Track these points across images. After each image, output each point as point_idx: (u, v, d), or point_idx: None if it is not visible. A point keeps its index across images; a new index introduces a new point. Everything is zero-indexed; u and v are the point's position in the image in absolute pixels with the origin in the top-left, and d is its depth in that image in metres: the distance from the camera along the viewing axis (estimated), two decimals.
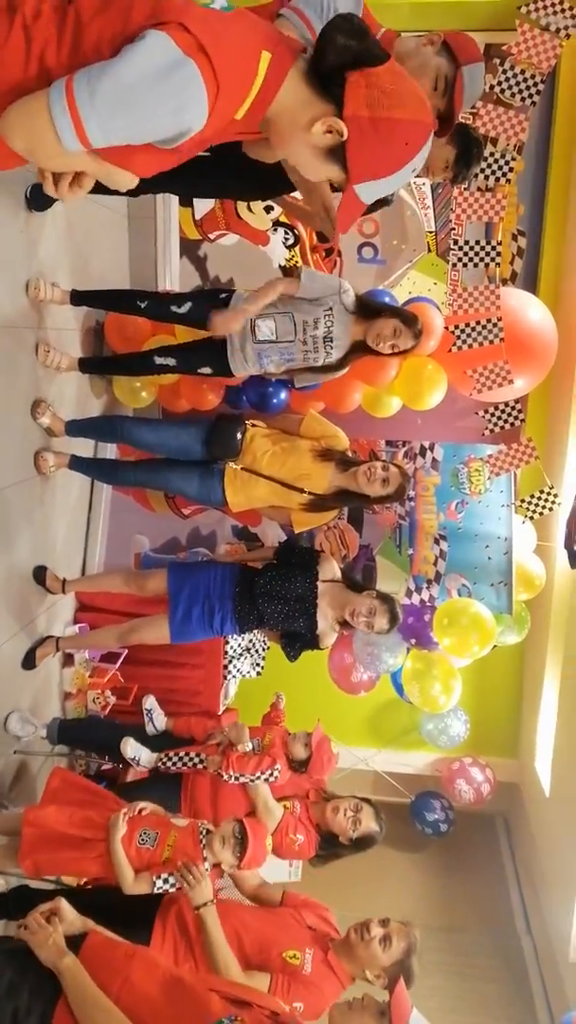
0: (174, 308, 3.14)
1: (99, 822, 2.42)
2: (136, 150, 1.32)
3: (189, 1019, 1.58)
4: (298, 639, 3.09)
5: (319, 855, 2.85)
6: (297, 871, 4.02)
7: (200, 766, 2.90)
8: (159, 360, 3.26)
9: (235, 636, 3.80)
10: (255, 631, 3.33)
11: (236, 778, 2.77)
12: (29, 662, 3.23)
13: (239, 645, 3.82)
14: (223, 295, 3.11)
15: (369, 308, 3.07)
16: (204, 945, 2.21)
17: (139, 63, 1.21)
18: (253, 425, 3.19)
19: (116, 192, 1.55)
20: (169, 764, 2.93)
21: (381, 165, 1.38)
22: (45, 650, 3.30)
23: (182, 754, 2.94)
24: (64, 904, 1.81)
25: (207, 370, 3.21)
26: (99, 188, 1.53)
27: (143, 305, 3.21)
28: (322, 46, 1.34)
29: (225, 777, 2.78)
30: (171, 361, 3.25)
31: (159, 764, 2.96)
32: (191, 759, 2.94)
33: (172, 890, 2.33)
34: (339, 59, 1.32)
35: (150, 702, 3.15)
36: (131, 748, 2.94)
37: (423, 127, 1.36)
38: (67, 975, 1.61)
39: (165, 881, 2.31)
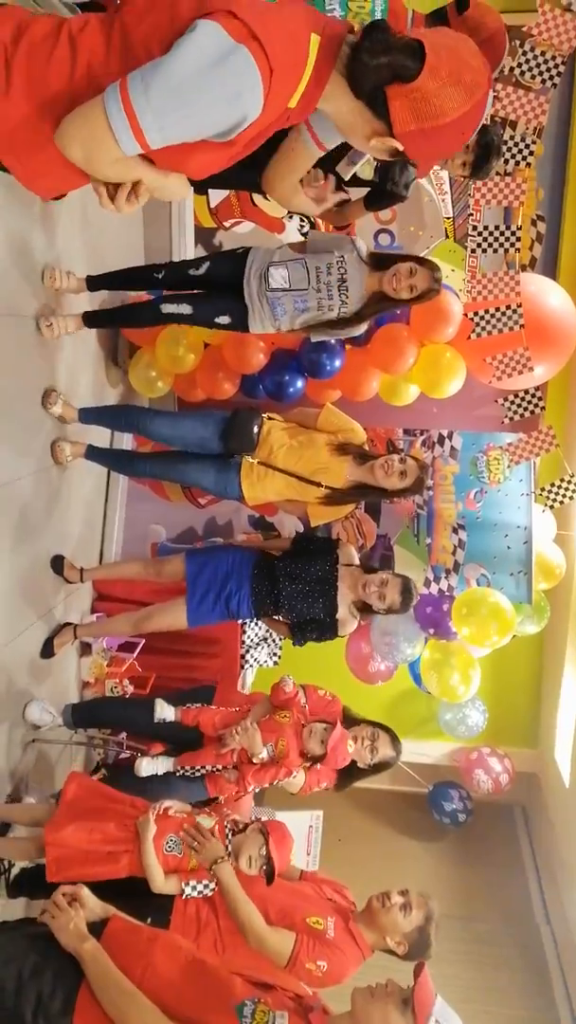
0: (192, 271, 3.10)
1: (119, 835, 2.40)
2: (193, 150, 1.30)
3: (212, 1001, 1.59)
4: (310, 626, 3.07)
5: (340, 783, 2.94)
6: (315, 860, 4.04)
7: (218, 774, 2.92)
8: (169, 308, 3.14)
9: (252, 626, 3.79)
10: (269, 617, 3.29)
11: (256, 790, 2.82)
12: (47, 651, 3.24)
13: (256, 635, 3.82)
14: (239, 251, 3.06)
15: (383, 257, 3.02)
16: (226, 904, 2.23)
17: (191, 55, 1.20)
18: (270, 418, 3.16)
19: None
20: (187, 774, 2.94)
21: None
22: (63, 638, 3.31)
23: (198, 768, 2.94)
24: (85, 891, 1.82)
25: (225, 319, 3.10)
26: None
27: (160, 276, 3.18)
28: (358, 71, 1.35)
29: (242, 794, 2.82)
30: (186, 309, 3.12)
31: (176, 774, 2.96)
32: (207, 771, 2.94)
33: (200, 895, 2.33)
34: (377, 80, 1.34)
35: (164, 712, 3.10)
36: (146, 768, 2.90)
37: (477, 108, 1.36)
38: (88, 959, 1.62)
39: (194, 888, 2.32)
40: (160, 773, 2.91)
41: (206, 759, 2.89)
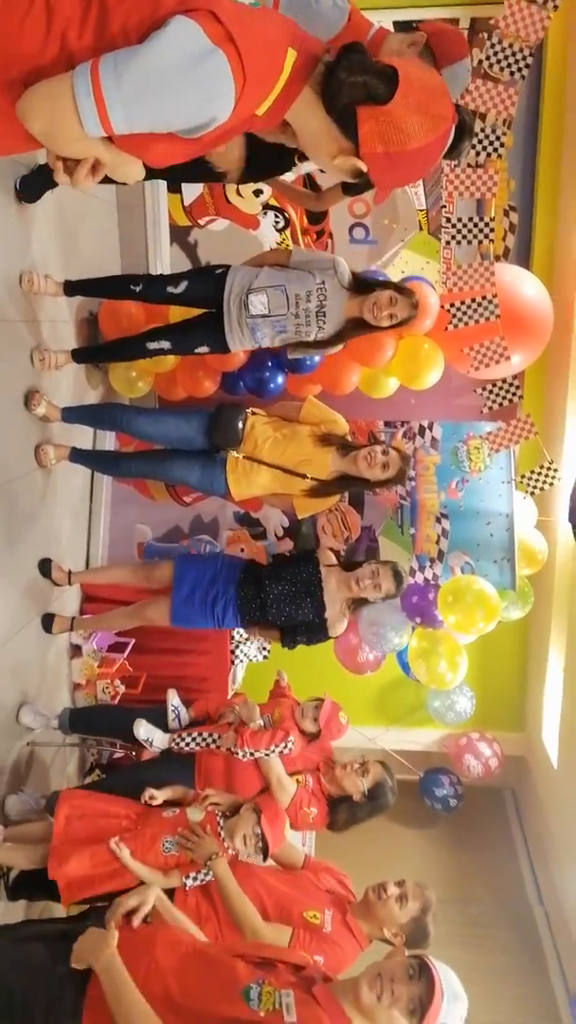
0: (170, 288, 3.13)
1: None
2: (157, 139, 1.31)
3: (217, 989, 1.61)
4: (299, 629, 3.10)
5: (337, 818, 2.87)
6: (310, 850, 4.07)
7: (213, 746, 2.92)
8: (152, 345, 3.24)
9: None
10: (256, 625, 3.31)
11: (251, 754, 2.80)
12: (48, 625, 3.30)
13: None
14: (219, 270, 3.10)
15: (363, 283, 3.07)
16: (222, 900, 2.26)
17: (167, 50, 1.20)
18: (253, 413, 3.19)
19: (111, 181, 1.54)
20: (182, 744, 2.95)
21: (404, 181, 1.47)
22: (62, 622, 3.34)
23: (195, 734, 2.96)
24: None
25: (204, 349, 3.20)
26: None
27: (138, 289, 3.20)
28: (332, 87, 1.36)
29: (240, 754, 2.80)
30: (166, 344, 3.22)
31: (172, 745, 2.98)
32: (204, 739, 2.96)
33: (201, 883, 2.36)
34: (350, 98, 1.35)
35: (176, 699, 3.13)
36: (144, 729, 2.95)
37: (440, 139, 1.40)
38: (102, 970, 1.61)
39: (194, 879, 2.35)
40: (156, 741, 2.93)
41: (203, 728, 2.94)
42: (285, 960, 1.77)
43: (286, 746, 2.82)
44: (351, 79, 1.34)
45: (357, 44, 1.37)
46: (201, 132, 1.29)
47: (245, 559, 3.31)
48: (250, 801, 2.51)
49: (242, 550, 4.07)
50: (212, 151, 1.51)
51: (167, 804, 2.62)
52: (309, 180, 4.01)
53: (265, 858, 2.41)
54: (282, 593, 3.05)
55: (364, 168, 1.39)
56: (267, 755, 2.80)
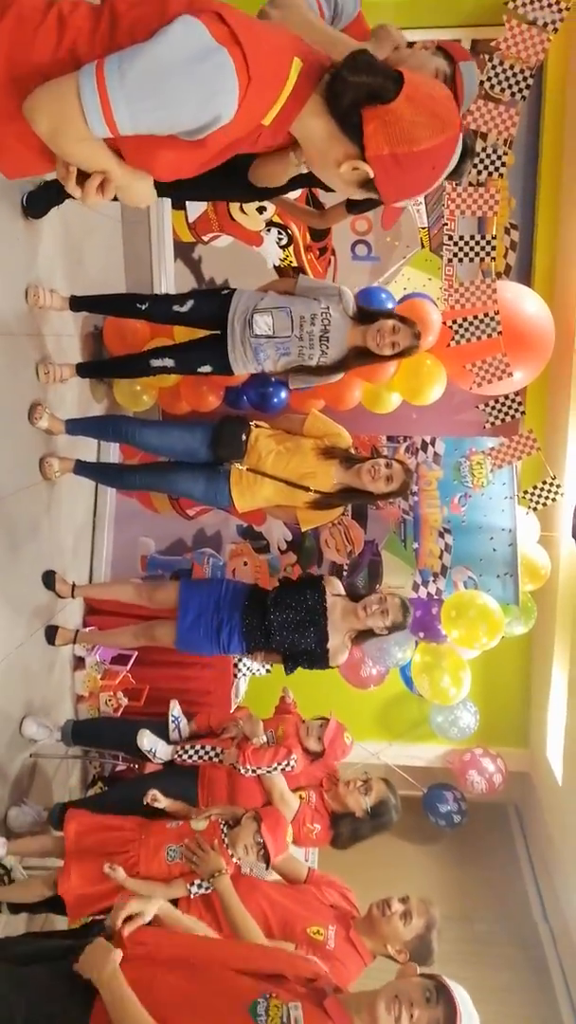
0: (176, 307, 3.17)
1: (124, 865, 2.39)
2: (161, 145, 1.30)
3: (224, 1004, 1.57)
4: (301, 657, 3.10)
5: (340, 835, 2.86)
6: (313, 862, 4.05)
7: (216, 760, 2.92)
8: (156, 363, 3.27)
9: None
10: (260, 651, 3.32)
11: (253, 771, 2.80)
12: (51, 637, 3.32)
13: None
14: (224, 291, 3.15)
15: (367, 313, 3.14)
16: (226, 917, 2.24)
17: (171, 47, 1.21)
18: (257, 426, 3.22)
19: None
20: (185, 757, 2.95)
21: (412, 190, 1.42)
22: (65, 634, 3.36)
23: (198, 747, 2.96)
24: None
25: (207, 368, 3.23)
26: None
27: (144, 307, 3.24)
28: (337, 87, 1.34)
29: (242, 771, 2.80)
30: (169, 362, 3.26)
31: (175, 757, 2.98)
32: (207, 752, 2.96)
33: (207, 891, 2.37)
34: (355, 97, 1.33)
35: (177, 710, 3.13)
36: (147, 740, 2.95)
37: (448, 144, 1.36)
38: (105, 985, 1.59)
39: (199, 887, 2.37)
40: (159, 754, 2.93)
41: (206, 741, 2.94)
42: (296, 971, 1.73)
43: (288, 764, 2.82)
44: (356, 79, 1.32)
45: (364, 50, 1.36)
46: (206, 131, 1.27)
47: (249, 585, 3.33)
48: (251, 810, 2.50)
49: (245, 563, 4.09)
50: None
51: (170, 816, 2.63)
52: (312, 198, 4.06)
53: (268, 866, 2.40)
54: (286, 620, 3.06)
55: (371, 173, 1.36)
56: (269, 772, 2.80)
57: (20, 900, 2.69)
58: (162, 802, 2.62)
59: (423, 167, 1.37)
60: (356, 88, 1.33)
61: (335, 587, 3.18)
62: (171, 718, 3.07)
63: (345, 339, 3.08)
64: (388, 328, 3.03)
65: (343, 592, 3.19)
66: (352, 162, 1.37)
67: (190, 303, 3.16)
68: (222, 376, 3.58)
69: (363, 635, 3.12)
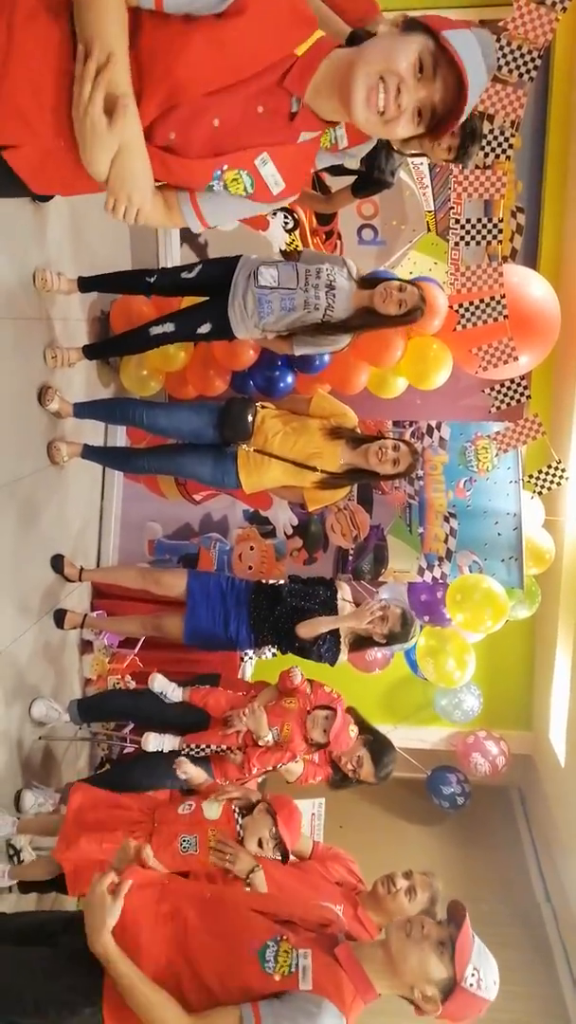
0: (185, 275, 3.16)
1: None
2: (189, 32, 1.25)
3: (235, 945, 1.58)
4: (311, 650, 3.14)
5: (338, 783, 2.99)
6: (319, 835, 4.10)
7: (223, 753, 2.96)
8: (156, 330, 3.24)
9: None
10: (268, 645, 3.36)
11: (259, 771, 2.87)
12: (59, 620, 3.35)
13: None
14: (232, 256, 3.14)
15: (372, 279, 3.12)
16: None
17: None
18: (263, 407, 3.22)
19: None
20: (192, 753, 2.98)
21: (451, 24, 1.34)
22: (73, 618, 3.39)
23: (204, 745, 2.99)
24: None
25: (206, 328, 3.17)
26: None
27: (152, 280, 3.24)
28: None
29: (247, 776, 2.86)
30: (169, 327, 3.22)
31: (182, 752, 3.01)
32: (213, 750, 2.99)
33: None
34: None
35: (159, 683, 3.15)
36: (153, 742, 2.98)
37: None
38: (112, 959, 1.59)
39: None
40: (166, 750, 2.96)
41: (212, 738, 2.95)
42: (309, 916, 1.73)
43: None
44: None
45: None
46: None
47: (253, 581, 3.37)
48: (264, 801, 2.47)
49: (251, 548, 4.11)
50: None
51: (185, 795, 2.61)
52: (318, 182, 4.04)
53: (285, 860, 2.39)
54: (298, 608, 3.12)
55: (408, 16, 1.33)
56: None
57: (30, 878, 2.73)
58: (190, 771, 2.57)
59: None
60: None
61: (345, 592, 3.26)
62: (158, 693, 3.10)
63: (351, 298, 3.05)
64: (395, 286, 3.02)
65: (351, 599, 3.26)
66: (389, 20, 1.34)
67: (198, 268, 3.17)
68: (229, 352, 3.59)
69: (361, 642, 3.17)
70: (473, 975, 1.63)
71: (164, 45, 1.27)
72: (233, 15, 1.25)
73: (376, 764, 2.87)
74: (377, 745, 2.91)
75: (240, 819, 2.41)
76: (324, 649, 3.11)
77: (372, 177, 3.04)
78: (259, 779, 3.28)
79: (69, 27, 1.24)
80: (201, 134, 1.35)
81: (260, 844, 2.34)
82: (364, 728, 2.97)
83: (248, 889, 2.25)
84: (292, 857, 2.65)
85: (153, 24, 1.26)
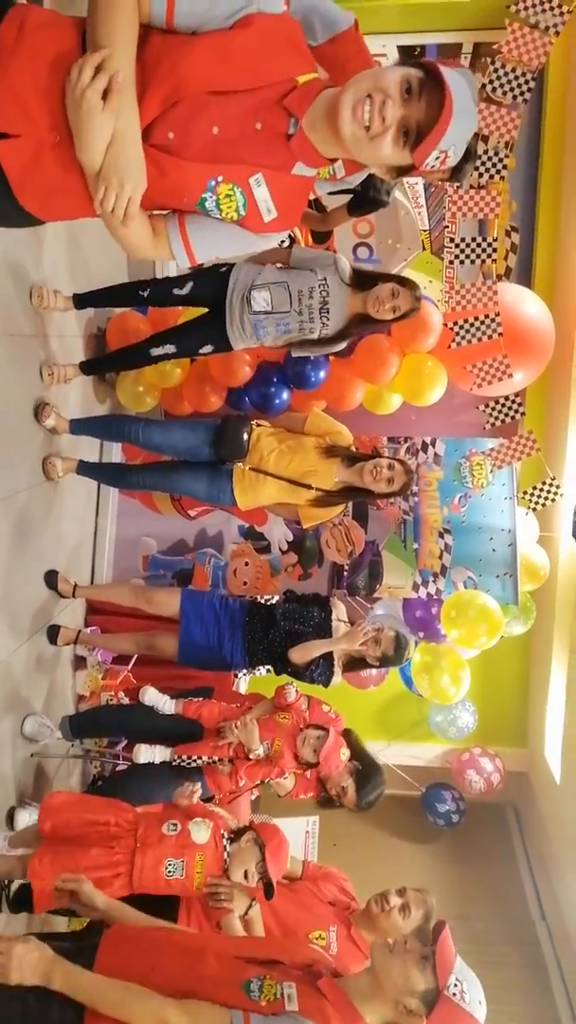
0: (176, 291, 3.16)
1: (104, 861, 2.32)
2: (199, 36, 1.31)
3: (219, 986, 1.58)
4: (304, 672, 3.13)
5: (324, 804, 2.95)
6: (312, 854, 4.08)
7: (213, 765, 2.95)
8: (156, 351, 3.24)
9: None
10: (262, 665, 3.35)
11: (246, 784, 2.86)
12: (53, 636, 3.33)
13: None
14: (223, 268, 3.11)
15: (364, 277, 3.06)
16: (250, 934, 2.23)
17: None
18: (258, 424, 3.23)
19: None
20: (183, 763, 2.97)
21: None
22: (67, 634, 3.37)
23: (195, 756, 2.98)
24: (87, 885, 1.89)
25: (208, 348, 3.18)
26: None
27: (146, 293, 3.24)
28: None
29: (235, 787, 2.85)
30: (170, 348, 3.22)
31: (173, 763, 3.00)
32: (204, 762, 2.98)
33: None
34: None
35: (149, 697, 3.14)
36: (144, 754, 2.97)
37: None
38: (64, 985, 1.56)
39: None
40: (157, 761, 2.94)
41: (203, 749, 2.94)
42: (292, 957, 1.73)
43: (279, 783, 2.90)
44: None
45: None
46: (251, 6, 1.29)
47: (247, 601, 3.35)
48: (252, 830, 2.39)
49: (246, 564, 4.10)
50: None
51: (171, 812, 2.53)
52: (314, 200, 4.08)
53: (269, 896, 2.31)
54: (292, 632, 3.12)
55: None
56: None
57: (6, 874, 2.63)
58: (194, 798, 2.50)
59: None
60: None
61: (340, 612, 3.25)
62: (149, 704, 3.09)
63: (345, 308, 3.03)
64: (387, 293, 2.97)
65: (346, 618, 3.25)
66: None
67: (189, 284, 3.14)
68: (225, 369, 3.60)
69: (354, 663, 3.17)
70: (456, 985, 1.62)
71: (169, 51, 1.31)
72: (238, 28, 1.31)
73: (359, 793, 2.80)
74: (365, 773, 2.84)
75: (228, 845, 2.35)
76: (317, 673, 3.10)
77: (368, 196, 3.05)
78: (252, 796, 3.27)
79: (79, 37, 1.30)
80: (199, 137, 1.36)
81: (246, 876, 2.27)
82: (357, 754, 2.92)
83: (241, 926, 2.21)
84: (284, 880, 2.63)
85: (161, 38, 1.32)
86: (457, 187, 3.03)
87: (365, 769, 2.86)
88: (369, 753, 2.97)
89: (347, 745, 2.92)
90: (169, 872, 2.29)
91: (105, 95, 1.25)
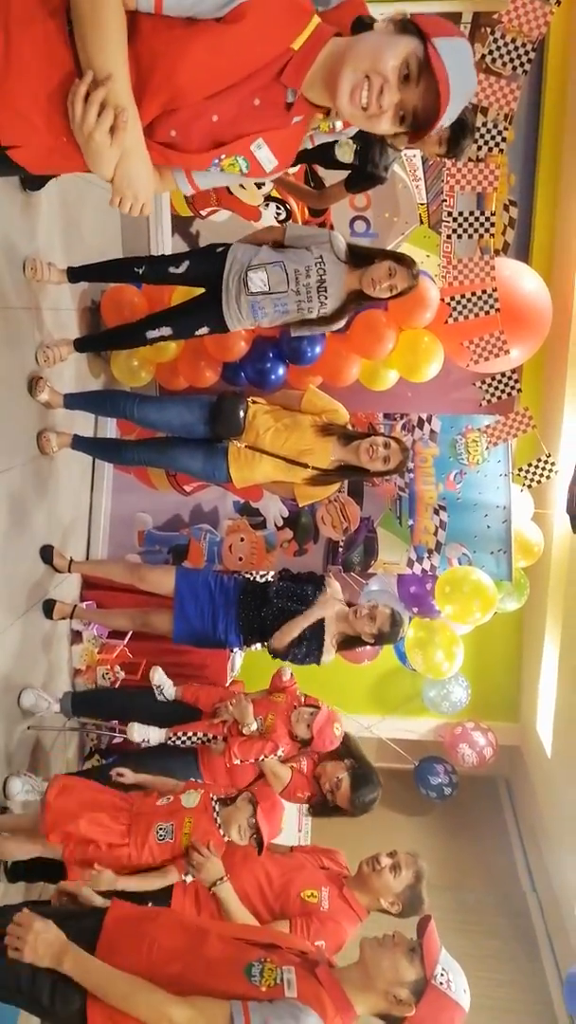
0: (172, 269, 3.12)
1: (114, 827, 2.37)
2: (191, 38, 1.27)
3: (221, 967, 1.64)
4: (296, 647, 3.12)
5: (319, 810, 2.94)
6: (307, 837, 4.13)
7: (208, 743, 2.98)
8: (153, 334, 3.22)
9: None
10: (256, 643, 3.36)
11: (240, 762, 2.87)
12: (48, 611, 3.33)
13: None
14: (219, 248, 3.09)
15: (361, 254, 3.04)
16: (226, 919, 2.25)
17: None
18: (254, 402, 3.21)
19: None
20: (177, 742, 3.00)
21: (446, 28, 1.35)
22: (63, 608, 3.38)
23: (190, 733, 3.00)
24: (84, 890, 1.91)
25: (204, 330, 3.17)
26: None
27: (140, 271, 3.21)
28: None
29: (228, 764, 2.87)
30: (167, 331, 3.21)
31: (168, 741, 3.02)
32: (199, 738, 3.01)
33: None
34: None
35: (158, 677, 3.19)
36: (138, 732, 2.99)
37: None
38: (73, 970, 1.63)
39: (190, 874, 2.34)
40: (153, 741, 2.97)
41: (198, 727, 2.97)
42: (288, 944, 1.80)
43: (274, 757, 2.90)
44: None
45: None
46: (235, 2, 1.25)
47: (241, 579, 3.32)
48: (247, 791, 2.49)
49: (242, 539, 4.11)
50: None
51: (159, 793, 2.58)
52: (311, 175, 4.04)
53: (260, 852, 2.39)
54: (288, 610, 3.11)
55: (407, 14, 1.35)
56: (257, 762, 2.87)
57: (5, 856, 2.68)
58: (129, 778, 2.59)
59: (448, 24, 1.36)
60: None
61: (336, 590, 3.23)
62: (154, 686, 3.12)
63: (342, 286, 3.01)
64: (383, 273, 2.94)
65: (341, 597, 3.24)
66: (385, 16, 1.37)
67: (185, 263, 3.11)
68: (221, 345, 3.58)
69: (349, 641, 3.16)
70: (443, 974, 1.73)
71: (163, 49, 1.29)
72: (232, 21, 1.28)
73: (354, 790, 2.79)
74: (363, 773, 2.84)
75: (218, 807, 2.40)
76: (303, 653, 3.09)
77: (366, 172, 3.02)
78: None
79: (66, 27, 1.25)
80: (200, 130, 1.38)
81: (239, 832, 2.34)
82: (353, 755, 2.93)
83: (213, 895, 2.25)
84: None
85: (152, 26, 1.28)
86: (456, 160, 2.99)
87: (363, 770, 2.85)
88: (368, 760, 2.95)
89: (346, 749, 2.93)
90: (160, 836, 2.35)
91: (112, 129, 1.27)
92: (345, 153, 2.90)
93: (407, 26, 1.35)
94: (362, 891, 2.42)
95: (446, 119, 1.36)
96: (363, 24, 1.46)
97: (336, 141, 2.87)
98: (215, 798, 2.43)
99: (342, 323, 3.16)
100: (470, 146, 2.84)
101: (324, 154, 2.97)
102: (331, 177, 3.58)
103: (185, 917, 1.88)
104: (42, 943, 1.65)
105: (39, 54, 1.26)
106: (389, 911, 2.39)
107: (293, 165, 3.11)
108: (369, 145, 2.85)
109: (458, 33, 1.37)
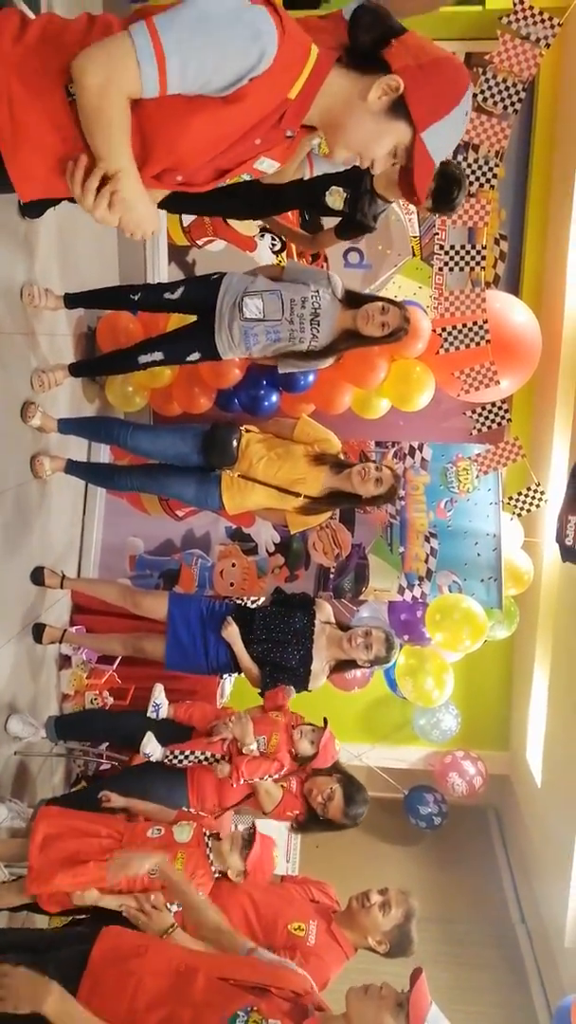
0: (167, 295, 3.17)
1: (102, 874, 2.30)
2: (193, 111, 1.35)
3: (205, 1013, 1.57)
4: (281, 674, 3.12)
5: (307, 828, 2.93)
6: (294, 867, 4.09)
7: (206, 763, 2.95)
8: (144, 359, 3.25)
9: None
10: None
11: (246, 781, 2.85)
12: (38, 635, 3.32)
13: None
14: (214, 276, 3.14)
15: (356, 297, 3.12)
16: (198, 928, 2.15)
17: (212, 3, 1.30)
18: (247, 431, 3.24)
19: None
20: (175, 761, 2.97)
21: (440, 101, 1.41)
22: (52, 632, 3.36)
23: (188, 752, 2.98)
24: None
25: (196, 355, 3.21)
26: None
27: (136, 297, 3.25)
28: (353, 31, 1.43)
29: (235, 784, 2.84)
30: (158, 355, 3.24)
31: (166, 760, 3.00)
32: (197, 758, 2.98)
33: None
34: (371, 34, 1.41)
35: (159, 695, 3.16)
36: (151, 746, 2.96)
37: (464, 69, 1.46)
38: (52, 1013, 1.52)
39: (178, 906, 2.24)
40: (155, 757, 2.93)
41: (196, 746, 2.95)
42: (282, 984, 1.71)
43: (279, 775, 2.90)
44: (372, 19, 1.43)
45: (370, 5, 1.46)
46: (248, 76, 1.31)
47: (233, 604, 3.34)
48: (247, 829, 2.47)
49: (233, 565, 4.12)
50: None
51: (151, 821, 2.53)
52: (310, 220, 4.09)
53: (248, 854, 2.36)
54: (272, 639, 3.11)
55: (399, 83, 1.38)
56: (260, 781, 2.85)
57: (4, 906, 2.63)
58: (116, 802, 2.54)
59: (447, 75, 1.42)
60: (372, 26, 1.43)
61: (326, 614, 3.22)
62: (152, 703, 3.09)
63: (335, 322, 3.07)
64: (377, 309, 3.03)
65: (333, 620, 3.24)
66: (381, 81, 1.39)
67: (181, 289, 3.17)
68: (215, 371, 3.61)
69: (344, 665, 3.17)
70: None
71: (165, 122, 1.38)
72: (232, 102, 1.35)
73: (347, 802, 2.79)
74: (351, 786, 2.85)
75: (211, 843, 2.37)
76: (288, 681, 3.09)
77: (355, 220, 3.09)
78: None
79: (66, 96, 1.35)
80: (205, 173, 1.51)
81: (232, 844, 2.34)
82: (339, 769, 2.94)
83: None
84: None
85: (156, 102, 1.35)
86: (449, 212, 3.03)
87: (353, 783, 2.85)
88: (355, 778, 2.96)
89: (334, 764, 2.93)
90: (152, 872, 2.25)
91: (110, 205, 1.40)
92: (335, 201, 2.96)
93: (400, 109, 1.41)
94: (350, 928, 2.37)
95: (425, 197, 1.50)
96: (359, 53, 1.48)
97: (328, 188, 2.94)
98: (207, 834, 2.40)
99: (330, 362, 3.21)
100: (462, 202, 2.91)
101: (316, 200, 3.03)
102: (326, 224, 3.64)
103: (175, 953, 1.80)
104: (24, 991, 1.52)
105: (45, 125, 1.37)
106: (376, 950, 2.33)
107: (286, 211, 3.18)
108: (359, 195, 2.93)
109: (457, 92, 1.42)
